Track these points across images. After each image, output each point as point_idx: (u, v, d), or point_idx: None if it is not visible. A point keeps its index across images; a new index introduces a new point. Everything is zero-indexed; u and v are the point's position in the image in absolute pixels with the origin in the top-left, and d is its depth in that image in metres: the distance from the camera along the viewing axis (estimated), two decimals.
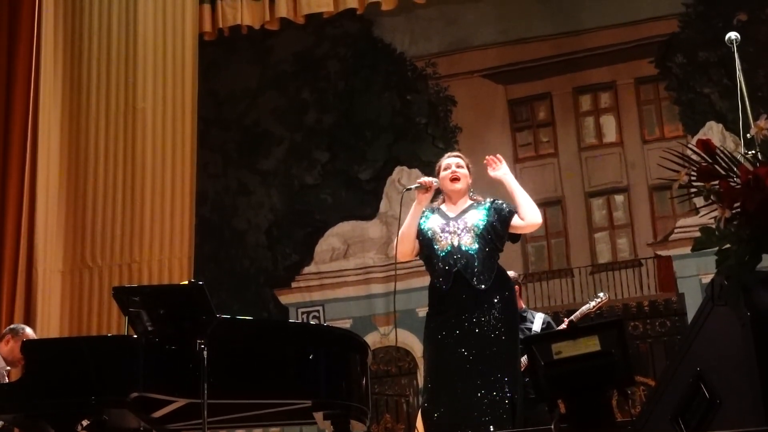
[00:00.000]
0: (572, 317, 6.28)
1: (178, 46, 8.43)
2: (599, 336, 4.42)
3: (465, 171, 5.03)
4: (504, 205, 4.93)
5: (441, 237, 4.83)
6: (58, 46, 8.53)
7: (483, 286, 4.70)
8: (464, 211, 4.91)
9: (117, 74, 8.49)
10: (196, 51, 8.43)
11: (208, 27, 8.64)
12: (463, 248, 4.76)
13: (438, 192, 5.08)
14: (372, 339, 8.27)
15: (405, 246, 4.92)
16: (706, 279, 7.10)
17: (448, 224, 4.86)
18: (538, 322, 6.27)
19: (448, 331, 4.71)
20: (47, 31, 8.40)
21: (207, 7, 8.63)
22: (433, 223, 4.90)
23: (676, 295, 7.90)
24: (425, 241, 4.89)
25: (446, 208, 4.98)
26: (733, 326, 3.35)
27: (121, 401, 4.86)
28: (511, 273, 6.26)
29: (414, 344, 8.62)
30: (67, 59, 8.58)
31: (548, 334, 5.63)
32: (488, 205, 4.94)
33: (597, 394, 4.50)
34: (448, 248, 4.79)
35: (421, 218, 4.94)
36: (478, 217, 4.85)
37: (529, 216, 4.85)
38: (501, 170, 5.04)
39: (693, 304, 7.36)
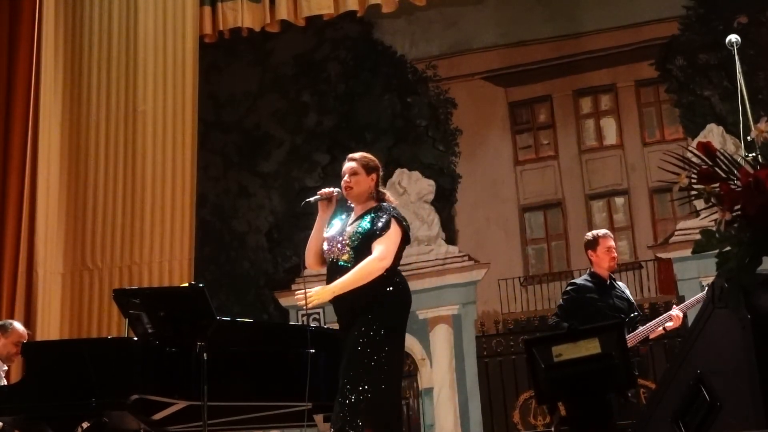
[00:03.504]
0: (683, 305, 6.14)
1: (178, 48, 8.42)
2: (599, 338, 4.42)
3: (359, 176, 4.60)
4: (380, 218, 4.53)
5: (327, 250, 4.59)
6: (59, 49, 8.53)
7: (354, 302, 4.41)
8: (357, 219, 4.60)
9: (117, 77, 8.49)
10: (196, 53, 8.43)
11: (208, 29, 8.62)
12: (339, 263, 4.50)
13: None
14: None
15: (308, 258, 4.70)
16: (707, 281, 7.10)
17: (335, 236, 4.59)
18: (627, 290, 6.18)
19: (343, 341, 4.53)
20: (48, 33, 8.40)
21: (207, 9, 8.61)
22: (329, 234, 4.65)
23: (677, 297, 7.90)
24: (323, 252, 4.64)
25: (352, 214, 4.69)
26: (733, 329, 3.35)
27: (121, 403, 4.87)
28: (590, 234, 6.18)
29: (414, 346, 8.62)
30: (67, 62, 8.58)
31: (549, 336, 5.62)
32: (373, 214, 4.57)
33: (597, 396, 4.50)
34: (329, 262, 4.58)
35: (328, 225, 4.70)
36: (357, 229, 4.54)
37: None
38: (320, 298, 4.48)
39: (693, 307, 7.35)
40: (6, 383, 6.12)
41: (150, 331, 4.95)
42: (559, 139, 8.71)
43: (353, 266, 4.44)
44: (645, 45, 8.51)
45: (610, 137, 8.62)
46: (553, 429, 5.38)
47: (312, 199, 4.69)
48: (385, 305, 4.42)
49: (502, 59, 8.85)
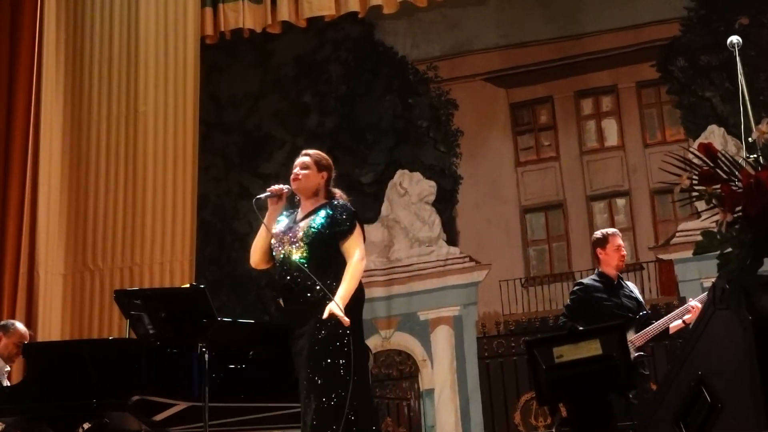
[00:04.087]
0: (700, 297, 6.08)
1: (179, 49, 8.43)
2: (600, 340, 4.43)
3: (308, 171, 4.63)
4: (342, 217, 4.53)
5: (277, 246, 4.53)
6: (60, 50, 8.53)
7: (314, 299, 4.37)
8: (308, 215, 4.57)
9: (119, 77, 8.49)
10: (197, 54, 8.43)
11: (209, 30, 8.62)
12: (294, 258, 4.44)
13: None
14: (373, 342, 8.27)
15: (254, 257, 4.66)
16: (708, 283, 7.10)
17: (286, 231, 4.54)
18: (635, 290, 6.18)
19: (294, 339, 4.47)
20: (49, 34, 8.40)
21: (209, 10, 8.61)
22: (277, 229, 4.60)
23: (678, 298, 7.90)
24: (272, 249, 4.58)
25: (299, 210, 4.67)
26: (734, 330, 3.35)
27: (122, 404, 4.87)
28: (599, 233, 6.18)
29: (415, 347, 8.62)
30: (68, 62, 8.58)
31: (550, 337, 5.62)
32: (330, 211, 4.56)
33: (598, 397, 4.50)
34: (281, 258, 4.48)
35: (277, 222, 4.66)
36: (312, 224, 4.51)
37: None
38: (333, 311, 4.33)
39: None
40: (9, 384, 6.13)
41: (151, 331, 4.96)
42: (561, 141, 8.71)
43: (309, 263, 4.39)
44: (646, 46, 8.51)
45: (612, 138, 8.61)
46: (554, 430, 5.39)
47: (262, 195, 4.67)
48: (346, 306, 4.36)
49: (503, 60, 8.85)
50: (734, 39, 5.12)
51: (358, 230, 4.54)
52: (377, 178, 8.91)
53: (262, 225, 4.62)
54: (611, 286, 6.02)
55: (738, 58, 4.93)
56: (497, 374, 8.31)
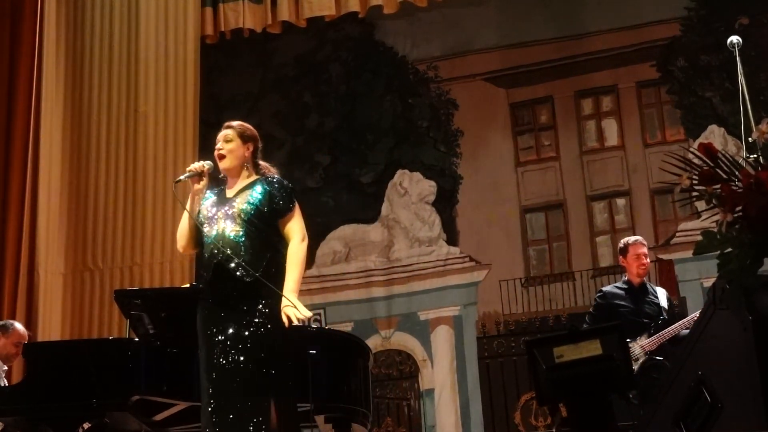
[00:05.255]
0: None
1: (180, 49, 8.43)
2: (600, 340, 4.43)
3: (233, 144, 4.46)
4: (281, 194, 4.37)
5: (209, 222, 4.31)
6: (60, 49, 8.54)
7: (249, 278, 4.14)
8: (241, 191, 4.37)
9: (119, 78, 8.49)
10: (197, 54, 8.43)
11: (210, 30, 8.63)
12: (228, 235, 4.22)
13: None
14: (373, 342, 8.27)
15: (180, 241, 4.45)
16: (708, 283, 7.10)
17: (219, 207, 4.34)
18: (662, 297, 6.29)
19: (213, 323, 4.17)
20: (49, 34, 8.41)
21: (209, 10, 8.62)
22: (205, 206, 4.40)
23: (678, 298, 7.90)
24: (199, 226, 4.36)
25: (227, 186, 4.47)
26: (734, 330, 3.35)
27: (123, 404, 4.87)
28: (622, 241, 6.33)
29: (415, 347, 8.62)
30: (69, 62, 8.58)
31: (550, 337, 5.62)
32: (266, 186, 4.37)
33: (598, 397, 4.50)
34: (214, 234, 4.25)
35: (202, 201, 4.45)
36: (249, 200, 4.30)
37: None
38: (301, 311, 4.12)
39: (694, 308, 7.34)
40: (7, 383, 6.13)
41: (151, 331, 4.96)
42: (561, 140, 8.71)
43: (246, 240, 4.19)
44: (646, 46, 8.51)
45: (612, 138, 8.61)
46: (554, 430, 5.39)
47: (183, 176, 4.51)
48: (276, 290, 4.15)
49: (503, 60, 8.85)
50: (734, 39, 5.13)
51: (297, 208, 4.37)
52: (377, 178, 8.91)
53: (188, 205, 4.43)
54: (633, 292, 6.24)
55: (738, 58, 4.94)
56: (497, 374, 8.31)
